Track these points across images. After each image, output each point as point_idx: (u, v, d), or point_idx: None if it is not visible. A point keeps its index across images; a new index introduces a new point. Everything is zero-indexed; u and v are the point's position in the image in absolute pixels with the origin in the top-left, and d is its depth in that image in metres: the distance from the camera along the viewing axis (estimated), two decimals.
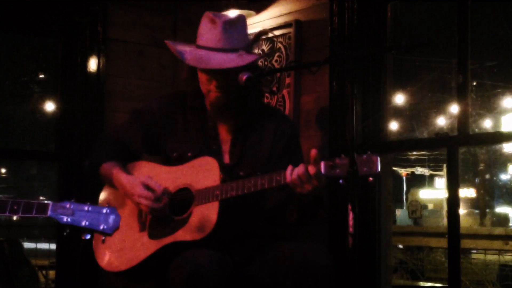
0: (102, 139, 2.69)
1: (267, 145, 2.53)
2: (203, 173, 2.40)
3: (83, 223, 1.99)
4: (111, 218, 2.02)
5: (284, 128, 2.56)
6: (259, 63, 3.57)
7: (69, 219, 1.99)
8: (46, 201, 2.03)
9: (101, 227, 2.00)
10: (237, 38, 2.47)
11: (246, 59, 2.42)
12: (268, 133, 2.54)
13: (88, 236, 2.03)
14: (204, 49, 2.46)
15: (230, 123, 2.55)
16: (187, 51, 2.48)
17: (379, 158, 2.06)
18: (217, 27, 2.45)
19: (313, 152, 2.17)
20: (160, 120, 2.60)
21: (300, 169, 2.17)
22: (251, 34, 2.64)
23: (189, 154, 2.50)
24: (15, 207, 2.02)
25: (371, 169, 2.05)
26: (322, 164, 2.15)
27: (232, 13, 3.61)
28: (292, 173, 2.18)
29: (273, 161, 2.50)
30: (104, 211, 2.02)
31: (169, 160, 2.56)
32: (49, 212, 2.00)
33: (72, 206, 2.00)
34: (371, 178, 2.07)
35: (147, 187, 2.39)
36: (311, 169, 2.15)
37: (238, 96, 2.48)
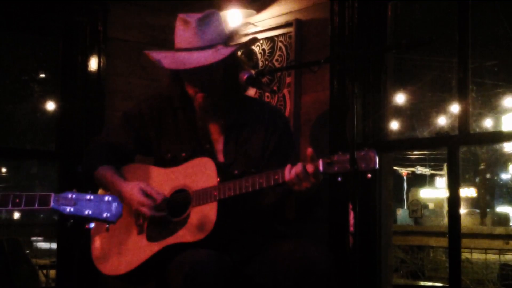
0: (94, 143, 2.66)
1: (259, 141, 2.51)
2: (199, 173, 2.39)
3: (86, 212, 1.98)
4: (114, 206, 2.00)
5: (275, 122, 2.55)
6: (260, 62, 3.57)
7: (72, 210, 1.97)
8: (47, 193, 2.01)
9: (104, 215, 1.99)
10: (213, 33, 2.43)
11: (224, 52, 2.38)
12: (260, 128, 2.53)
13: (92, 225, 2.02)
14: (181, 51, 2.43)
15: (220, 122, 2.53)
16: (165, 57, 2.45)
17: (376, 154, 2.06)
18: (190, 26, 2.42)
19: (309, 151, 2.18)
20: (151, 122, 2.58)
21: (298, 168, 2.17)
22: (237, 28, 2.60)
23: (183, 154, 2.49)
24: (17, 200, 2.01)
25: (368, 165, 2.06)
26: (320, 162, 2.15)
27: (233, 12, 3.61)
28: (290, 172, 2.19)
29: (267, 157, 2.49)
30: (106, 199, 2.00)
31: (163, 161, 2.55)
32: (51, 204, 1.98)
33: (74, 196, 1.99)
34: (369, 175, 2.08)
35: (146, 194, 2.38)
36: (309, 168, 2.16)
37: (225, 93, 2.47)
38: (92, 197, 2.00)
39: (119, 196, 2.42)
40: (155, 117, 2.58)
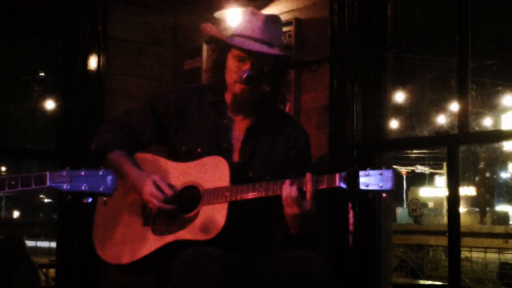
0: (112, 122, 2.65)
1: (278, 150, 2.51)
2: (212, 172, 2.38)
3: (83, 187, 2.00)
4: (109, 179, 2.02)
5: (297, 137, 2.55)
6: None
7: (68, 186, 1.99)
8: (42, 172, 2.02)
9: (101, 189, 2.01)
10: (276, 35, 2.49)
11: (281, 53, 2.45)
12: (281, 139, 2.53)
13: (90, 200, 2.05)
14: (243, 37, 2.46)
15: (245, 121, 2.54)
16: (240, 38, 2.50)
17: (393, 174, 2.10)
18: (259, 19, 2.47)
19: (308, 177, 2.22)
20: (174, 112, 2.57)
21: (286, 188, 2.22)
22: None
23: (199, 150, 2.48)
24: (13, 183, 2.02)
25: (385, 185, 2.10)
26: (337, 176, 2.18)
27: (232, 11, 3.60)
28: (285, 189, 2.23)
29: (285, 169, 2.49)
30: (100, 173, 2.02)
31: (177, 153, 2.54)
32: (48, 182, 1.99)
33: (68, 173, 2.00)
34: (384, 194, 2.13)
35: (158, 187, 2.38)
36: (293, 192, 2.20)
37: (261, 93, 2.48)
38: (86, 172, 2.02)
39: (131, 184, 2.43)
40: (180, 107, 2.57)
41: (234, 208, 2.31)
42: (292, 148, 2.52)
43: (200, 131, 2.53)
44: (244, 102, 2.50)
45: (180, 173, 2.46)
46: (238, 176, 2.37)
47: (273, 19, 2.50)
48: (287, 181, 2.23)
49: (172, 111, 2.57)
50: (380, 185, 2.10)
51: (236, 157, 2.50)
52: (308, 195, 2.20)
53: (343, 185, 2.15)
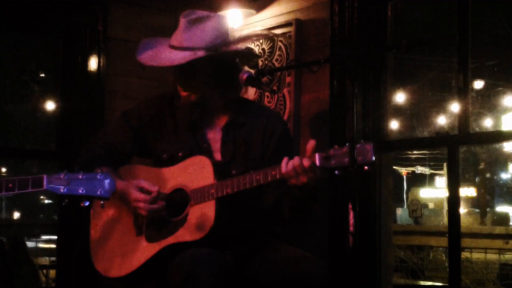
0: (91, 143, 2.66)
1: (258, 143, 2.52)
2: (196, 172, 2.39)
3: (80, 191, 2.00)
4: (106, 182, 2.03)
5: (274, 125, 2.55)
6: (260, 62, 3.57)
7: (65, 189, 2.00)
8: (40, 175, 2.02)
9: (98, 192, 2.02)
10: (198, 36, 2.43)
11: (189, 57, 2.39)
12: (258, 131, 2.53)
13: (87, 203, 2.04)
14: (170, 47, 2.48)
15: (219, 120, 2.54)
16: (150, 51, 2.53)
17: (373, 146, 2.06)
18: (180, 25, 2.47)
19: (310, 145, 2.18)
20: (149, 122, 2.59)
21: (295, 161, 2.16)
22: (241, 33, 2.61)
23: (180, 154, 2.49)
24: (10, 185, 2.02)
25: (365, 157, 2.06)
26: (317, 156, 2.15)
27: (232, 12, 3.60)
28: (287, 165, 2.18)
29: (267, 160, 2.49)
30: (98, 176, 2.03)
31: (159, 161, 2.55)
32: (45, 185, 2.00)
33: (66, 176, 2.01)
34: (366, 167, 2.08)
35: (142, 189, 2.38)
36: (305, 162, 2.15)
37: (205, 93, 2.48)
38: (84, 175, 2.02)
39: (119, 196, 2.43)
40: (153, 117, 2.59)
41: (223, 204, 2.32)
42: (270, 138, 2.53)
43: (178, 136, 2.55)
44: (189, 107, 2.51)
45: (166, 178, 2.47)
46: (222, 173, 2.38)
47: (197, 20, 2.45)
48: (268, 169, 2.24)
49: (146, 122, 2.60)
50: (360, 158, 2.07)
51: (218, 156, 2.50)
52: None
53: (323, 165, 2.14)
